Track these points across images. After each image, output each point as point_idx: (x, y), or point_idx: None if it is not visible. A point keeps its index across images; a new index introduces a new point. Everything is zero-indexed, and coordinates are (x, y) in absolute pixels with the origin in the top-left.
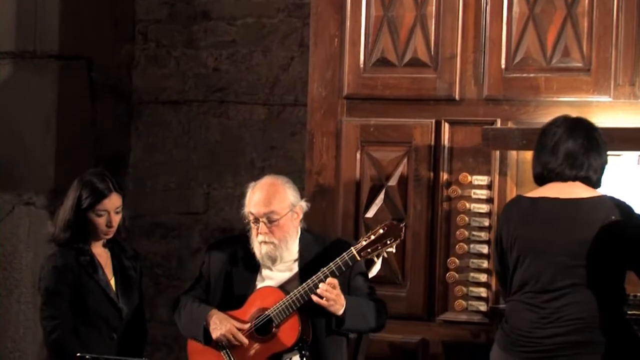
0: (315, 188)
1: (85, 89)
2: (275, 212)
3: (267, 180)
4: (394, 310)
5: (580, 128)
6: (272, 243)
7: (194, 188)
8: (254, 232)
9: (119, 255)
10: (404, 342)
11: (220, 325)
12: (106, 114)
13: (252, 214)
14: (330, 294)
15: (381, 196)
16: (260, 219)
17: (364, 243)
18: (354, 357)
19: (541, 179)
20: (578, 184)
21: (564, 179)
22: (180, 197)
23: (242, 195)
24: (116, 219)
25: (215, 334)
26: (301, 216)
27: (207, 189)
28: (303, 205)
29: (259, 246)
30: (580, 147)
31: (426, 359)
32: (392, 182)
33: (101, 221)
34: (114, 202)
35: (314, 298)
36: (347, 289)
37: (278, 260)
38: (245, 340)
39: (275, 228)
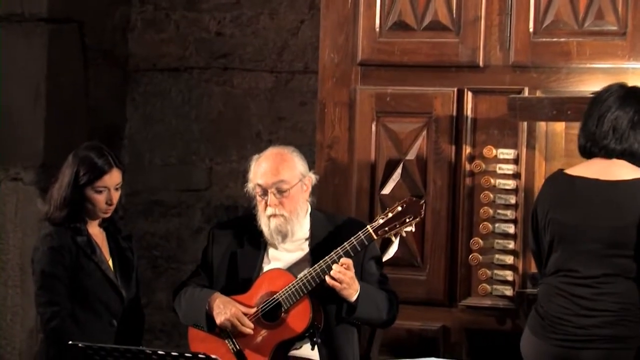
0: (327, 163)
1: (77, 55)
2: (285, 182)
3: (272, 150)
4: (413, 295)
5: (632, 98)
6: (283, 216)
7: (195, 163)
8: (261, 206)
9: (115, 236)
10: (423, 329)
11: (224, 309)
12: (100, 82)
13: (259, 185)
14: (344, 275)
15: (398, 171)
16: (269, 190)
17: (381, 221)
18: (367, 347)
19: (585, 152)
20: (622, 162)
21: (607, 154)
22: (180, 172)
23: (247, 171)
24: (116, 196)
25: (218, 318)
26: (310, 189)
27: (210, 163)
28: (312, 176)
29: (268, 221)
30: (628, 120)
31: (447, 348)
32: (411, 156)
33: (100, 199)
34: (114, 178)
35: (328, 280)
36: (359, 273)
37: (289, 235)
38: (252, 326)
39: (286, 199)
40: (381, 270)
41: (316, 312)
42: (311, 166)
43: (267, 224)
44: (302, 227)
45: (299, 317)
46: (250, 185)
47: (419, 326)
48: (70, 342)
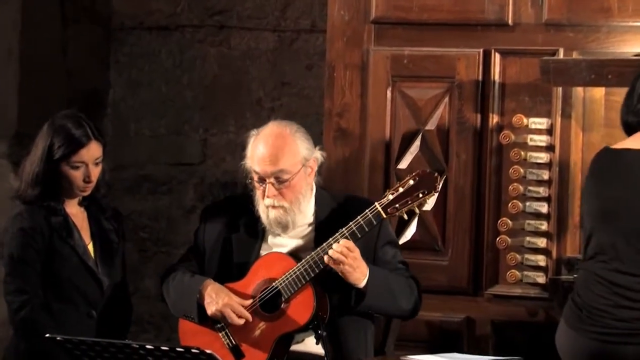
0: (336, 133)
1: (55, 11)
2: (285, 171)
3: (272, 130)
4: (433, 283)
5: None
6: (282, 207)
7: (187, 133)
8: (259, 192)
9: (97, 216)
10: (445, 321)
11: (216, 298)
12: (80, 42)
13: (256, 173)
14: (345, 256)
15: (417, 143)
16: (267, 180)
17: (391, 197)
18: (382, 342)
19: (628, 127)
20: None
21: None
22: (171, 144)
23: (245, 146)
24: (95, 172)
25: (210, 309)
26: (315, 170)
27: (204, 134)
28: (318, 156)
29: (266, 210)
30: None
31: (472, 341)
32: (431, 126)
33: (77, 175)
34: (92, 152)
35: (326, 259)
36: (372, 261)
37: (290, 227)
38: (248, 316)
39: (286, 190)
40: (399, 256)
41: (321, 301)
42: (318, 138)
43: (265, 213)
44: (305, 213)
45: (301, 308)
46: (246, 165)
47: (439, 317)
48: (47, 335)
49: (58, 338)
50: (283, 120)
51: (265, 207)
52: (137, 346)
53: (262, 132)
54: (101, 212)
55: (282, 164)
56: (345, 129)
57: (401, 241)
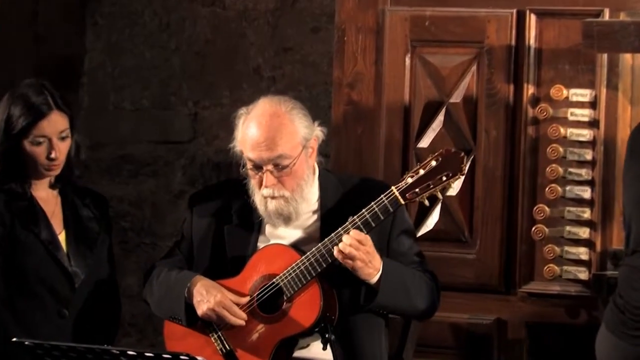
0: (347, 107)
1: None
2: (284, 156)
3: (265, 109)
4: (459, 280)
5: None
6: (283, 197)
7: (175, 107)
8: (254, 181)
9: (73, 202)
10: (473, 323)
11: (207, 296)
12: (51, 1)
13: (251, 160)
14: (356, 250)
15: (440, 118)
16: (265, 167)
17: (410, 180)
18: (399, 345)
19: None
20: None
21: None
22: (156, 119)
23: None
24: (61, 148)
25: (200, 308)
26: (316, 149)
27: (194, 107)
28: (318, 133)
29: (264, 201)
30: None
31: (503, 347)
32: (456, 98)
33: (39, 151)
34: (55, 123)
35: (336, 253)
36: (385, 254)
37: (293, 218)
38: (244, 317)
39: (287, 177)
40: (416, 248)
41: (328, 300)
42: (326, 112)
43: (263, 204)
44: (309, 200)
45: (305, 307)
46: (237, 147)
47: (466, 319)
48: (14, 340)
49: (27, 343)
50: (275, 95)
51: (263, 197)
52: (118, 352)
53: (254, 112)
54: (79, 197)
55: (281, 148)
56: (358, 101)
57: (422, 231)
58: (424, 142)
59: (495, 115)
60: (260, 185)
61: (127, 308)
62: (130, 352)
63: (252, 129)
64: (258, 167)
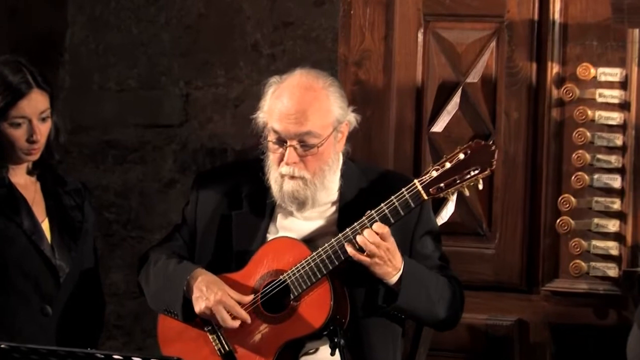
0: (354, 87)
1: None
2: (313, 134)
3: (300, 80)
4: (476, 277)
5: None
6: (303, 178)
7: (165, 87)
8: (274, 157)
9: (54, 189)
10: (491, 324)
11: (207, 292)
12: None
13: (276, 131)
14: (377, 247)
15: (455, 100)
16: (289, 142)
17: (435, 174)
18: (411, 352)
19: None
20: None
21: None
22: (144, 100)
23: (240, 98)
24: (42, 130)
25: (199, 305)
26: (346, 136)
27: (186, 88)
28: (351, 119)
29: (280, 180)
30: None
31: (525, 350)
32: (473, 77)
33: (18, 134)
34: (35, 103)
35: (350, 251)
36: (407, 254)
37: (308, 204)
38: (246, 317)
39: (311, 157)
40: (440, 251)
41: (339, 301)
42: None
43: (278, 183)
44: (329, 189)
45: (314, 308)
46: (261, 119)
47: (484, 320)
48: None
49: (2, 346)
50: (312, 69)
51: (280, 176)
52: (102, 356)
53: (288, 82)
54: (59, 184)
55: (311, 124)
56: (366, 81)
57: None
58: (438, 126)
59: (516, 96)
60: (279, 162)
61: (112, 308)
62: (116, 356)
63: (283, 99)
64: (281, 141)
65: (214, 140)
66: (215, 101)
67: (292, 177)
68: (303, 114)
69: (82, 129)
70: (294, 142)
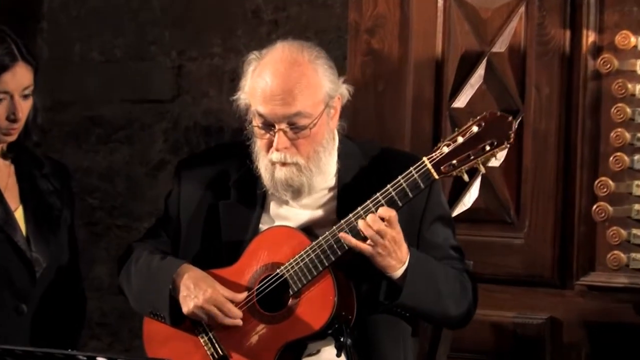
0: (366, 58)
1: None
2: (302, 114)
3: (283, 54)
4: (503, 270)
5: None
6: (296, 164)
7: (155, 58)
8: (261, 143)
9: (30, 172)
10: (520, 323)
11: (195, 290)
12: None
13: (261, 115)
14: (381, 235)
15: (480, 72)
16: (277, 125)
17: (446, 150)
18: (429, 353)
19: None
20: None
21: None
22: (131, 73)
23: (238, 70)
24: (24, 108)
25: (187, 305)
26: (340, 108)
27: (179, 59)
28: (343, 92)
29: (271, 168)
30: None
31: (557, 351)
32: (500, 47)
33: None
34: (20, 77)
35: (345, 238)
36: (415, 243)
37: (304, 192)
38: (240, 316)
39: (304, 140)
40: (453, 240)
41: (344, 296)
42: (340, 63)
43: (269, 172)
44: (326, 173)
45: (316, 304)
46: (243, 100)
47: (512, 318)
48: None
49: None
50: (295, 40)
51: (271, 163)
52: (85, 358)
53: (269, 58)
54: (36, 166)
55: (300, 104)
56: (379, 51)
57: (457, 211)
58: (460, 101)
59: (547, 68)
60: (268, 148)
61: (95, 305)
62: (99, 358)
63: (265, 78)
64: (269, 125)
65: (209, 117)
66: (211, 74)
67: (284, 164)
68: (290, 93)
69: (62, 105)
70: (283, 125)
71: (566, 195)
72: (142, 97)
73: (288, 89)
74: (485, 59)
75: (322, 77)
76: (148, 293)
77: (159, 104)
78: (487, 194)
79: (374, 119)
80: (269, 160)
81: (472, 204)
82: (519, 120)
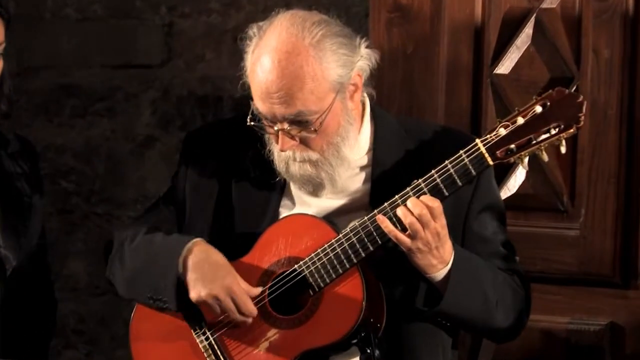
0: (392, 15)
1: None
2: (305, 113)
3: (281, 39)
4: (555, 267)
5: None
6: (309, 161)
7: (141, 15)
8: (271, 135)
9: None
10: (575, 329)
11: (211, 274)
12: None
13: (261, 112)
14: (424, 228)
15: (527, 32)
16: (278, 124)
17: (503, 132)
18: None
19: None
20: None
21: None
22: (114, 33)
23: (240, 29)
24: None
25: (196, 291)
26: (362, 81)
27: (169, 16)
28: (362, 65)
29: (284, 165)
30: None
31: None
32: (551, 2)
33: None
34: None
35: (384, 224)
36: (460, 236)
37: (326, 187)
38: (254, 313)
39: (313, 136)
40: (503, 235)
41: (373, 299)
42: (361, 22)
43: (283, 165)
44: (358, 149)
45: (340, 309)
46: (246, 82)
47: (565, 324)
48: None
49: None
50: (298, 11)
51: (284, 162)
52: None
53: (266, 41)
54: (1, 145)
55: (301, 103)
56: (407, 7)
57: (503, 195)
58: (504, 67)
59: (607, 28)
60: (277, 140)
61: (70, 308)
62: None
63: (262, 67)
64: (270, 120)
65: (206, 84)
66: (207, 34)
67: (297, 161)
68: (288, 92)
69: (31, 70)
70: (285, 125)
71: (629, 179)
72: (126, 62)
73: (286, 87)
74: (534, 16)
75: (327, 66)
76: (148, 273)
77: (146, 70)
78: (536, 177)
79: (400, 87)
80: (281, 158)
81: (518, 189)
82: (573, 89)
